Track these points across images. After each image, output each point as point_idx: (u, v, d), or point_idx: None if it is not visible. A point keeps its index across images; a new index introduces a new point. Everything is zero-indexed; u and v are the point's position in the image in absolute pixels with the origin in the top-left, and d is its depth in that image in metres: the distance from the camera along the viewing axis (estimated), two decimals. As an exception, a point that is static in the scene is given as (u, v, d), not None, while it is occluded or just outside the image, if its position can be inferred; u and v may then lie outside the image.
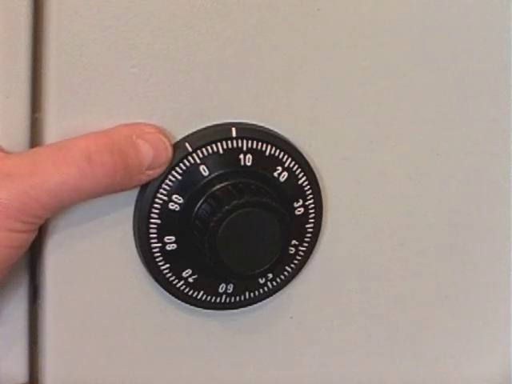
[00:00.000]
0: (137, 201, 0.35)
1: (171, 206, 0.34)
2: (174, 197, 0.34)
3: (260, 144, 0.35)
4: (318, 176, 0.37)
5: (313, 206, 0.37)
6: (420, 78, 0.38)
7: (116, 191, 0.33)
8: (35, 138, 0.34)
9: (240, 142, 0.35)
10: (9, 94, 0.33)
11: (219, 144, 0.34)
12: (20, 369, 0.36)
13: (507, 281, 0.43)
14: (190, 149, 0.34)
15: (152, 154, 0.33)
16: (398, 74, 0.38)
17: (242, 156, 0.35)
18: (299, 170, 0.36)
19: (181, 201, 0.34)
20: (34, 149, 0.32)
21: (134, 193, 0.34)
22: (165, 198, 0.34)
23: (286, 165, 0.36)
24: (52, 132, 0.33)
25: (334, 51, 0.36)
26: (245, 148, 0.35)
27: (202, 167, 0.34)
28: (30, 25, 0.32)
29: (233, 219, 0.33)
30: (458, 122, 0.39)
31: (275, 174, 0.36)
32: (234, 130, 0.35)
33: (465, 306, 0.42)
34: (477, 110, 0.40)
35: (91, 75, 0.33)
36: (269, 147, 0.35)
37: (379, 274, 0.40)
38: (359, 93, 0.37)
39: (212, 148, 0.34)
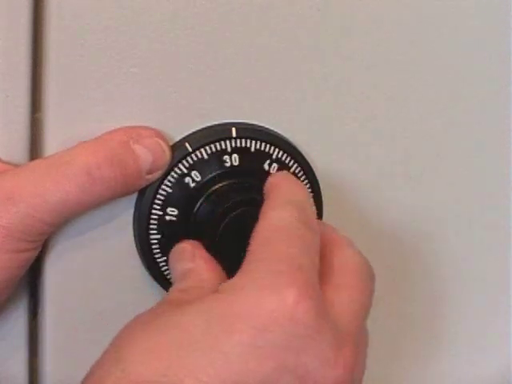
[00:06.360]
0: (136, 204, 0.34)
1: (167, 218, 0.34)
2: (168, 209, 0.34)
3: (260, 144, 0.35)
4: (317, 176, 0.37)
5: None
6: (420, 78, 0.38)
7: (116, 198, 0.33)
8: (35, 138, 0.34)
9: (240, 142, 0.35)
10: (9, 94, 0.33)
11: (219, 144, 0.34)
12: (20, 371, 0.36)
13: (507, 281, 0.43)
14: (190, 149, 0.34)
15: (150, 159, 0.33)
16: (398, 74, 0.38)
17: (241, 156, 0.35)
18: (299, 169, 0.36)
19: (175, 212, 0.34)
20: (33, 164, 0.32)
21: (134, 195, 0.34)
22: (160, 212, 0.34)
23: (286, 165, 0.36)
24: (52, 132, 0.33)
25: (333, 51, 0.36)
26: (245, 148, 0.35)
27: (193, 173, 0.34)
28: (30, 25, 0.32)
29: (231, 220, 0.33)
30: (458, 122, 0.39)
31: (275, 174, 0.36)
32: (234, 130, 0.35)
33: (465, 306, 0.42)
34: (477, 110, 0.40)
35: (91, 75, 0.33)
36: (269, 147, 0.35)
37: (379, 274, 0.40)
38: (359, 93, 0.37)
39: (211, 148, 0.34)
